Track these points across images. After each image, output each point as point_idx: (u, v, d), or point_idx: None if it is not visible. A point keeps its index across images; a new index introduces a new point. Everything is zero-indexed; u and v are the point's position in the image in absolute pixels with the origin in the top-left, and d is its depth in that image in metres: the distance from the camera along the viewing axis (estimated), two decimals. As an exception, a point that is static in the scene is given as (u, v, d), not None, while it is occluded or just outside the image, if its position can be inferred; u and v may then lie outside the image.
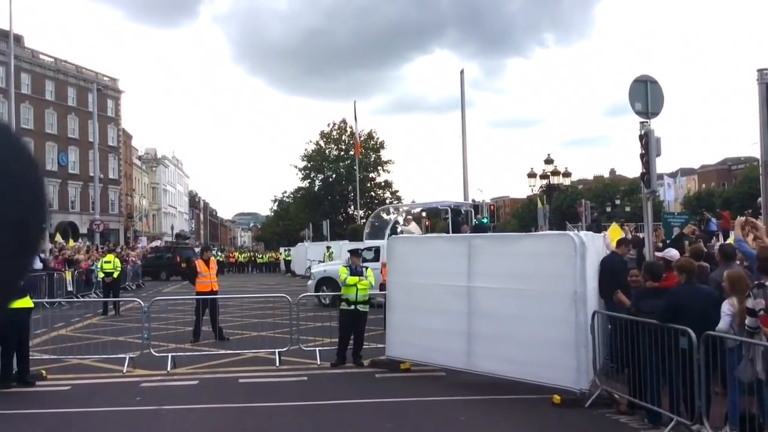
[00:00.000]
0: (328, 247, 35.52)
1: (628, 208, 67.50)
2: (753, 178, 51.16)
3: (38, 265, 22.13)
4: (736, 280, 7.01)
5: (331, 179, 66.70)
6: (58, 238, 31.73)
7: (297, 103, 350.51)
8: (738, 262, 8.69)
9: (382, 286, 12.91)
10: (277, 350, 11.64)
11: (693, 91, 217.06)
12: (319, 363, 11.25)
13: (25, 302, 10.19)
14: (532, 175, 30.76)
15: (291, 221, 69.25)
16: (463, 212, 24.02)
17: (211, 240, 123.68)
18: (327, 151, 67.15)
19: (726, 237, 13.35)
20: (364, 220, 62.10)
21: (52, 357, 11.73)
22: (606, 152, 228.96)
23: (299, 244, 47.24)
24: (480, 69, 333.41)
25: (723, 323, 6.74)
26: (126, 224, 69.99)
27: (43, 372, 10.61)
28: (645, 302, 7.81)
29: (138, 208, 78.49)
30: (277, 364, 11.23)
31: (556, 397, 8.34)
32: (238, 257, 67.75)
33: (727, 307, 6.79)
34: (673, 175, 54.42)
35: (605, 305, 9.50)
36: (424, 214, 28.73)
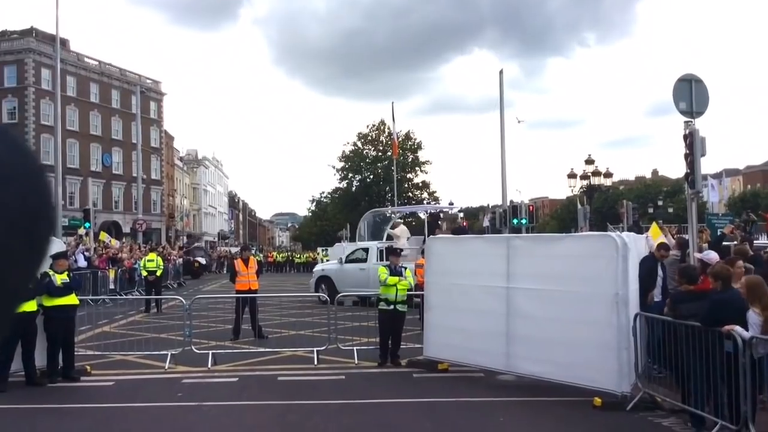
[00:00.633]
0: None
1: (671, 210, 66.18)
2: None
3: (83, 263, 22.71)
4: (753, 286, 6.83)
5: (368, 180, 66.89)
6: (103, 237, 32.35)
7: (335, 104, 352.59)
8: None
9: (417, 287, 12.92)
10: (315, 349, 11.71)
11: (738, 90, 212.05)
12: (356, 362, 11.28)
13: (71, 299, 10.44)
14: (572, 175, 30.40)
15: (328, 221, 69.57)
16: (441, 216, 23.72)
17: (250, 240, 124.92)
18: (365, 152, 67.34)
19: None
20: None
21: (96, 353, 11.98)
22: (648, 152, 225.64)
23: (336, 244, 47.36)
24: (519, 69, 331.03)
25: (752, 332, 6.59)
26: (167, 224, 71.17)
27: (88, 368, 10.85)
28: (683, 305, 7.68)
29: (179, 208, 79.75)
30: (315, 362, 11.29)
31: (597, 400, 8.22)
32: (276, 257, 68.36)
33: (754, 317, 6.64)
34: (717, 175, 53.18)
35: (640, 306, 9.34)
36: (445, 214, 28.03)
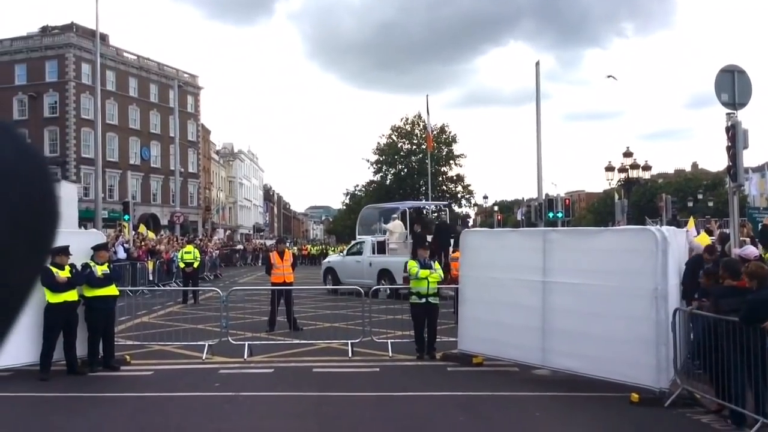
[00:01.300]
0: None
1: (711, 203, 64.88)
2: None
3: (122, 255, 23.14)
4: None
5: (402, 173, 66.83)
6: (142, 229, 32.92)
7: (369, 97, 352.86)
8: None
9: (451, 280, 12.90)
10: (349, 341, 11.76)
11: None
12: (390, 355, 11.30)
13: (111, 290, 10.64)
14: (610, 168, 29.98)
15: (363, 215, 69.72)
16: (424, 212, 24.48)
17: (284, 233, 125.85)
18: (399, 145, 67.30)
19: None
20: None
21: (135, 343, 12.21)
22: (688, 145, 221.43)
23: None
24: (556, 60, 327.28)
25: None
26: (204, 216, 72.09)
27: (127, 357, 11.05)
28: (725, 301, 7.53)
29: (215, 200, 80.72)
30: (350, 355, 11.34)
31: (635, 396, 8.11)
32: (311, 250, 68.76)
33: None
34: (759, 169, 51.98)
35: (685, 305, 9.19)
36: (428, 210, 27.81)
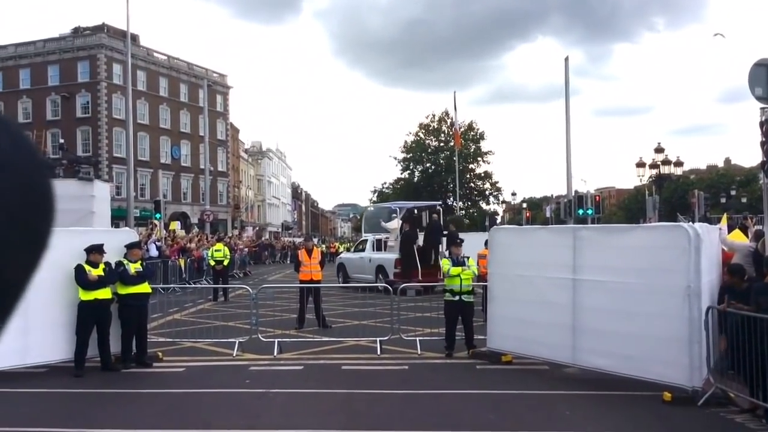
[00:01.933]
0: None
1: (744, 200, 63.70)
2: None
3: (154, 252, 23.45)
4: None
5: (430, 170, 66.72)
6: (173, 226, 33.30)
7: (396, 94, 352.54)
8: None
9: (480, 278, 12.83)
10: (378, 339, 11.78)
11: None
12: (419, 352, 11.30)
13: (144, 288, 10.79)
14: (641, 164, 29.62)
15: (390, 212, 69.64)
16: (416, 212, 25.57)
17: (312, 230, 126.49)
18: (426, 143, 67.17)
19: None
20: (463, 211, 61.89)
21: (167, 340, 12.37)
22: (720, 140, 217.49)
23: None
24: (585, 56, 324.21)
25: None
26: (233, 214, 72.72)
27: (160, 354, 11.21)
28: (764, 298, 7.38)
29: (244, 199, 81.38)
30: (378, 352, 11.36)
31: (667, 395, 8.01)
32: (339, 247, 68.97)
33: None
34: (795, 164, 51.02)
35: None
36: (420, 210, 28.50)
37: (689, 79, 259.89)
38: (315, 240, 29.53)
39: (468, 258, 11.65)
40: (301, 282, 14.77)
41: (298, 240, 53.19)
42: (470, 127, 65.65)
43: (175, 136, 63.32)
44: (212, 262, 22.43)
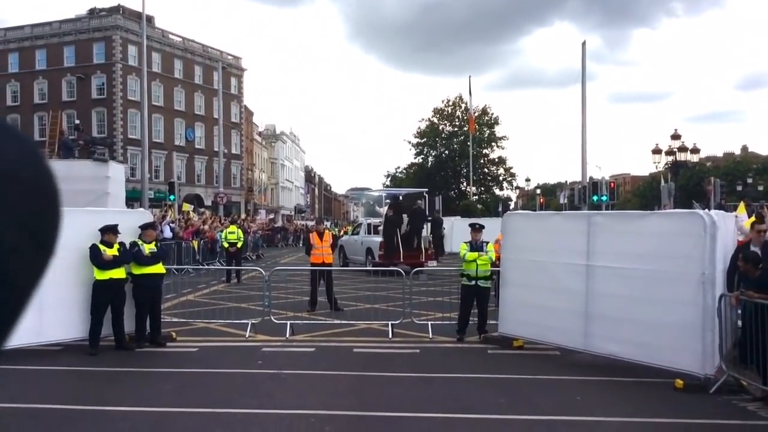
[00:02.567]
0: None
1: (761, 188, 63.13)
2: None
3: (168, 234, 23.59)
4: None
5: (444, 155, 66.53)
6: (186, 207, 33.46)
7: (411, 79, 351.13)
8: None
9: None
10: (390, 322, 11.81)
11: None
12: (431, 336, 11.32)
13: (158, 268, 10.87)
14: (657, 151, 29.40)
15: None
16: (401, 198, 27.03)
17: (325, 214, 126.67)
18: (440, 128, 66.93)
19: None
20: (477, 196, 61.75)
21: (180, 320, 12.47)
22: (738, 128, 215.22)
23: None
24: (602, 41, 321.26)
25: None
26: (246, 197, 72.97)
27: (173, 334, 11.30)
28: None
29: (258, 182, 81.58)
30: (390, 336, 11.40)
31: (679, 382, 7.99)
32: (350, 231, 69.00)
33: None
34: (813, 152, 50.33)
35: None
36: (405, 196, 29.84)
37: (707, 65, 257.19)
38: (327, 223, 29.71)
39: (487, 243, 11.59)
40: (313, 265, 14.81)
41: (310, 223, 53.30)
42: (484, 111, 65.29)
43: (189, 119, 63.46)
44: (226, 244, 22.53)
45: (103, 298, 10.14)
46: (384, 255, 22.46)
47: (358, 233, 26.73)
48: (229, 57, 69.18)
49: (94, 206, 15.68)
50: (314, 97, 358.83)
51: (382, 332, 11.67)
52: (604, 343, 9.17)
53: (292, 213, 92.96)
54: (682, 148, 28.76)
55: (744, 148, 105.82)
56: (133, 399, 7.79)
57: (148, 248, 10.66)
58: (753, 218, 12.03)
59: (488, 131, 65.17)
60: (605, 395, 8.01)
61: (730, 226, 10.07)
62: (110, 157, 23.87)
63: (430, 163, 67.52)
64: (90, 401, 7.60)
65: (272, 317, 12.05)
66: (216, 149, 48.58)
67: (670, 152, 28.97)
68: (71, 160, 21.37)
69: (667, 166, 29.63)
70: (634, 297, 8.72)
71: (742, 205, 15.13)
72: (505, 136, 66.34)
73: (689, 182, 61.39)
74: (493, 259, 11.41)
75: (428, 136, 66.53)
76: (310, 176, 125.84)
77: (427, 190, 29.68)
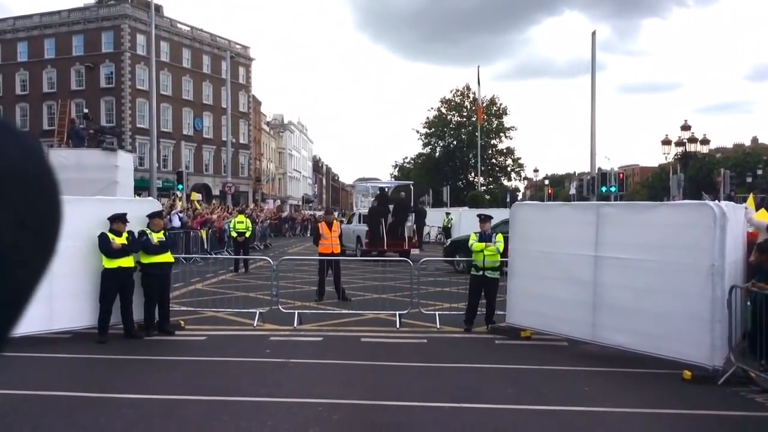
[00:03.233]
0: (448, 213, 35.43)
1: (771, 179, 62.66)
2: None
3: (177, 223, 23.66)
4: None
5: (452, 146, 66.39)
6: (194, 197, 33.53)
7: (419, 69, 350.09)
8: None
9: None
10: (397, 312, 11.83)
11: None
12: (438, 327, 11.33)
13: (167, 257, 10.90)
14: (666, 142, 29.23)
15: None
16: (386, 190, 28.78)
17: (333, 204, 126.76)
18: (448, 118, 66.76)
19: None
20: (485, 187, 61.63)
21: (189, 309, 12.52)
22: (748, 119, 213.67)
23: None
24: (612, 30, 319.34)
25: None
26: (254, 187, 73.06)
27: (182, 322, 11.36)
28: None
29: (265, 171, 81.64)
30: (398, 326, 11.41)
31: (687, 373, 7.97)
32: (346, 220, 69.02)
33: None
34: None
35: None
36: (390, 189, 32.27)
37: (718, 56, 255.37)
38: (335, 213, 29.90)
39: (496, 234, 11.57)
40: (322, 255, 14.82)
41: (318, 213, 53.35)
42: (492, 101, 65.07)
43: (197, 108, 63.49)
44: (234, 234, 22.57)
45: (111, 287, 10.18)
46: (369, 243, 24.51)
47: (351, 222, 27.97)
48: (238, 46, 69.09)
49: (103, 195, 15.74)
50: (322, 87, 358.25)
51: (390, 322, 11.69)
52: (612, 334, 9.15)
53: (300, 203, 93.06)
54: (692, 139, 28.58)
55: (754, 140, 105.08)
56: (141, 387, 7.83)
57: (156, 237, 10.69)
58: (763, 211, 11.94)
59: (496, 122, 65.00)
60: (613, 386, 8.01)
61: (740, 217, 10.01)
62: (119, 146, 23.94)
63: (438, 154, 67.40)
64: (99, 389, 7.65)
65: (280, 306, 12.08)
66: (224, 139, 48.63)
67: (679, 143, 28.81)
68: (81, 149, 21.42)
69: (676, 157, 29.49)
70: (642, 288, 8.70)
71: (751, 196, 15.02)
72: (513, 127, 66.27)
73: (699, 173, 61.06)
74: (500, 250, 11.39)
75: (436, 127, 66.39)
76: (317, 166, 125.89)
77: (413, 183, 31.04)
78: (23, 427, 6.42)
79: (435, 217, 35.79)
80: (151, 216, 10.98)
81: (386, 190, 28.99)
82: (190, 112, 62.78)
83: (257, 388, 7.78)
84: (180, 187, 32.36)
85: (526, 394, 7.68)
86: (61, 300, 9.73)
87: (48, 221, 0.63)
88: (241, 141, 68.47)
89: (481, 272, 11.26)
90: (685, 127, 28.94)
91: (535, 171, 71.61)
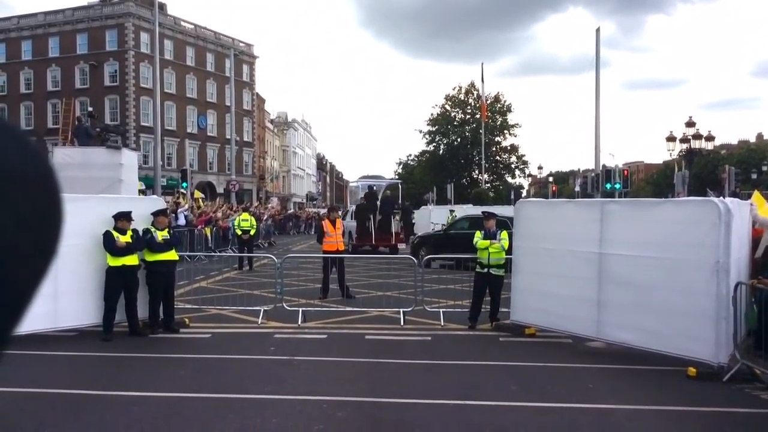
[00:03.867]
0: (452, 211, 35.38)
1: (776, 176, 62.47)
2: None
3: (182, 221, 23.69)
4: None
5: (456, 143, 66.32)
6: (198, 195, 33.56)
7: (423, 66, 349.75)
8: None
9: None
10: (401, 310, 11.83)
11: None
12: (442, 324, 11.33)
13: (171, 255, 10.92)
14: (671, 138, 29.13)
15: (415, 184, 69.60)
16: (374, 188, 30.58)
17: (337, 201, 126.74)
18: (452, 115, 66.68)
19: None
20: (489, 184, 61.55)
21: (193, 307, 12.54)
22: (753, 115, 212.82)
23: (423, 207, 47.49)
24: (617, 27, 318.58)
25: None
26: (258, 185, 73.11)
27: (186, 320, 11.38)
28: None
29: (269, 169, 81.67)
30: (402, 323, 11.42)
31: (692, 370, 7.96)
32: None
33: None
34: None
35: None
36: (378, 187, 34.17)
37: (722, 52, 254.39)
38: (339, 211, 30.01)
39: (501, 231, 11.54)
40: (326, 252, 14.81)
41: (322, 211, 53.36)
42: (497, 99, 64.96)
43: (201, 106, 63.57)
44: (239, 232, 22.61)
45: (116, 285, 10.21)
46: (358, 237, 26.71)
47: (344, 218, 28.98)
48: (241, 44, 69.13)
49: (107, 193, 15.77)
50: (326, 85, 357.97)
51: (394, 319, 11.69)
52: (616, 331, 9.14)
53: (304, 200, 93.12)
54: (697, 136, 28.49)
55: (759, 136, 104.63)
56: (146, 384, 7.85)
57: (161, 235, 10.71)
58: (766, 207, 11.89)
59: (501, 119, 64.87)
60: (617, 383, 8.00)
61: (745, 214, 9.97)
62: (123, 144, 23.97)
63: (442, 151, 67.33)
64: (104, 386, 7.66)
65: (284, 304, 12.10)
66: (228, 137, 48.61)
67: (684, 140, 28.71)
68: (85, 148, 21.46)
69: (681, 154, 29.40)
70: (647, 285, 8.68)
71: (756, 193, 14.95)
72: (517, 124, 66.12)
73: (704, 170, 60.93)
74: (505, 248, 11.38)
75: (440, 124, 66.32)
76: (321, 164, 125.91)
77: (401, 181, 33.89)
78: (29, 424, 6.44)
79: (439, 215, 35.72)
80: (155, 214, 10.99)
81: (374, 188, 30.59)
82: (194, 110, 62.85)
83: (262, 385, 7.79)
84: (184, 185, 32.40)
85: (530, 391, 7.67)
86: (66, 298, 9.76)
87: (49, 222, 0.63)
88: (245, 139, 68.52)
89: (485, 269, 11.25)
90: (690, 124, 28.85)
91: (540, 168, 71.43)
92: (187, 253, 18.47)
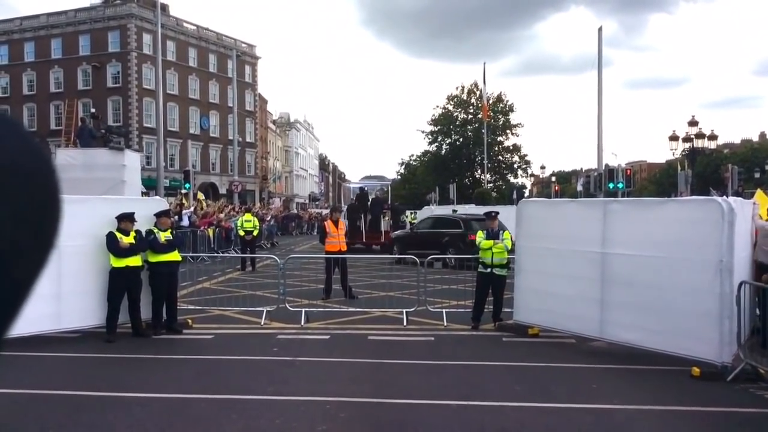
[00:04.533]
0: (454, 210, 35.37)
1: (779, 175, 62.28)
2: None
3: (185, 222, 23.70)
4: None
5: (458, 143, 66.30)
6: (200, 196, 33.60)
7: (425, 65, 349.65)
8: None
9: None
10: (404, 310, 11.82)
11: None
12: (445, 324, 11.32)
13: (174, 256, 10.92)
14: (674, 138, 29.10)
15: (417, 184, 69.62)
16: (365, 189, 32.90)
17: (339, 202, 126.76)
18: (455, 115, 66.65)
19: None
20: (491, 184, 61.53)
21: (196, 308, 12.55)
22: (755, 114, 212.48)
23: (425, 207, 47.43)
24: (619, 26, 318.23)
25: None
26: (261, 185, 73.13)
27: (189, 321, 11.38)
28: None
29: (272, 170, 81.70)
30: (405, 323, 11.41)
31: (696, 370, 7.94)
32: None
33: None
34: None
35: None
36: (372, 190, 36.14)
37: (725, 51, 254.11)
38: (342, 211, 30.29)
39: (504, 231, 11.52)
40: (329, 253, 14.80)
41: (324, 211, 53.35)
42: (499, 98, 64.92)
43: (204, 107, 63.61)
44: (242, 232, 22.60)
45: (119, 286, 10.21)
46: (349, 236, 26.39)
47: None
48: (243, 45, 69.15)
49: (110, 194, 15.78)
50: (328, 85, 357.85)
51: (397, 320, 11.68)
52: (620, 331, 9.13)
53: (307, 201, 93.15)
54: (700, 135, 28.46)
55: (762, 135, 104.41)
56: (149, 385, 7.85)
57: (163, 236, 10.71)
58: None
59: (503, 119, 64.83)
60: (621, 383, 7.98)
61: (748, 213, 9.95)
62: (126, 145, 24.02)
63: (444, 151, 67.30)
64: (107, 387, 7.67)
65: (287, 305, 12.09)
66: (230, 137, 48.61)
67: (687, 139, 28.69)
68: (88, 149, 21.49)
69: (684, 153, 29.40)
70: (650, 284, 8.66)
71: (759, 192, 14.94)
72: (519, 124, 66.07)
73: (706, 169, 60.85)
74: (509, 248, 11.36)
75: (443, 124, 66.28)
76: (324, 164, 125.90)
77: (391, 182, 34.34)
78: (32, 426, 6.45)
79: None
80: (158, 215, 11.00)
81: (366, 189, 32.65)
82: (196, 111, 62.89)
83: (265, 386, 7.79)
84: (187, 186, 32.41)
85: (533, 391, 7.66)
86: (70, 299, 9.77)
87: (47, 216, 0.63)
88: (248, 139, 68.55)
89: (488, 269, 11.23)
90: (693, 123, 28.81)
91: (542, 168, 71.37)
92: (190, 254, 18.47)
